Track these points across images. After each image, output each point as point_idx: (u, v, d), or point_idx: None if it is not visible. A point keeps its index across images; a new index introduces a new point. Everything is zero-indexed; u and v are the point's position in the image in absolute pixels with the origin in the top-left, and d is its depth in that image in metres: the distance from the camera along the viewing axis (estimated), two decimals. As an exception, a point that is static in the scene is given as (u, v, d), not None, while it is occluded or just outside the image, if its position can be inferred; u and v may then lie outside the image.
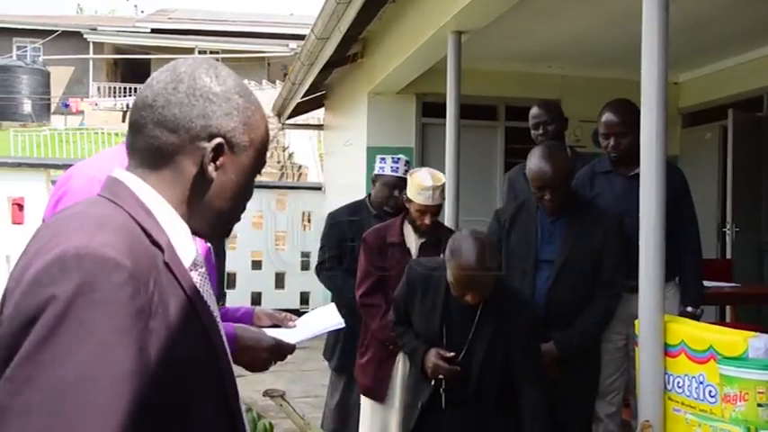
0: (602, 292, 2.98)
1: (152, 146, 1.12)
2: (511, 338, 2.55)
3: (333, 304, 2.21)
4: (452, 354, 2.56)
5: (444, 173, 4.31)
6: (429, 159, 6.96)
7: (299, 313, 7.27)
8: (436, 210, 3.23)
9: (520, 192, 3.70)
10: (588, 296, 2.97)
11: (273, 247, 9.31)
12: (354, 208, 4.02)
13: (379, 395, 3.25)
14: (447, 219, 4.22)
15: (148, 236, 1.06)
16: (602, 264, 2.96)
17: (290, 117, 10.54)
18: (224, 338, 1.17)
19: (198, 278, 1.15)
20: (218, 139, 1.13)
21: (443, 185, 3.22)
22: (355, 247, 3.71)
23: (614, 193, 3.18)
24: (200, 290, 1.14)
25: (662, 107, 2.54)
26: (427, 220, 3.21)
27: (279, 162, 16.45)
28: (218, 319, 1.18)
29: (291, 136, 17.03)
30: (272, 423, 3.09)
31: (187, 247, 1.14)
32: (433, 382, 2.61)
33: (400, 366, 3.24)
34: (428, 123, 7.15)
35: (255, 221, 9.02)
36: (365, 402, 3.37)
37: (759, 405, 2.11)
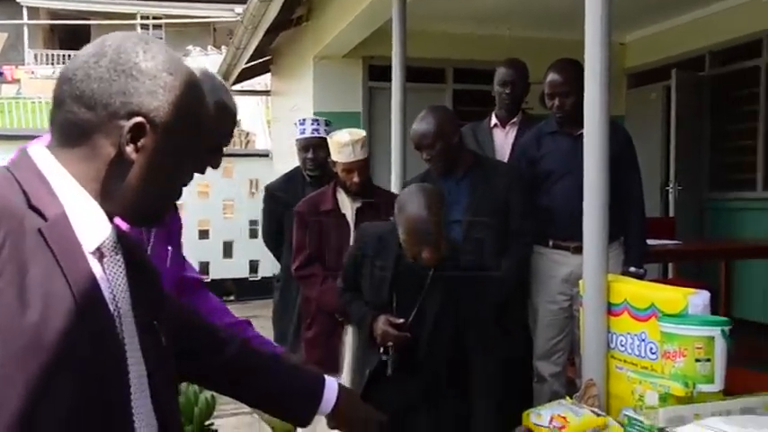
0: (513, 242, 3.05)
1: (69, 122, 1.06)
2: (461, 304, 2.54)
3: None
4: (401, 320, 2.52)
5: (391, 137, 4.31)
6: (377, 123, 6.92)
7: (246, 282, 7.33)
8: (362, 165, 3.17)
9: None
10: (501, 249, 3.02)
11: (221, 216, 9.19)
12: (288, 177, 3.99)
13: (333, 367, 3.17)
14: (393, 183, 4.20)
15: (28, 200, 1.00)
16: (510, 215, 3.03)
17: (235, 83, 10.34)
18: (123, 338, 1.08)
19: (111, 265, 1.08)
20: (138, 119, 1.05)
21: (363, 139, 3.18)
22: (291, 216, 3.68)
23: (561, 153, 3.21)
24: (99, 278, 1.06)
25: (605, 67, 2.53)
26: (355, 178, 3.16)
27: (226, 129, 16.16)
28: (121, 317, 1.09)
29: (238, 102, 16.72)
30: (213, 396, 3.04)
31: (94, 229, 1.06)
32: (381, 350, 2.58)
33: (350, 337, 3.21)
34: (375, 87, 7.08)
35: (202, 190, 8.88)
36: None
37: (697, 360, 2.15)
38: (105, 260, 1.08)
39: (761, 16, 6.34)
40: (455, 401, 2.54)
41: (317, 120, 3.87)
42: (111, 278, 1.09)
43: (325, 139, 3.70)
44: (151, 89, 1.06)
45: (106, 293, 1.07)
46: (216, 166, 1.75)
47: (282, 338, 3.79)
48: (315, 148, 3.77)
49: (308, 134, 3.79)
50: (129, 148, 1.06)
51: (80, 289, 1.01)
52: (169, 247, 1.82)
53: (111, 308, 1.07)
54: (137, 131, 1.05)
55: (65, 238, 1.02)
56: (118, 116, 1.05)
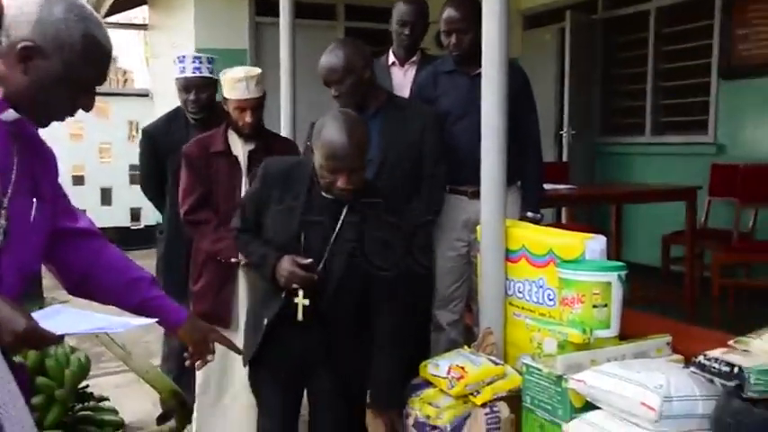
0: (425, 185, 2.98)
1: None
2: (373, 239, 2.39)
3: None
4: (310, 260, 2.35)
5: (280, 76, 4.15)
6: (265, 62, 6.67)
7: (129, 231, 6.94)
8: (256, 104, 3.02)
9: None
10: (411, 191, 2.95)
11: (98, 161, 8.75)
12: (168, 118, 3.72)
13: (224, 320, 3.02)
14: (284, 123, 4.06)
15: None
16: (423, 158, 2.96)
17: (108, 15, 9.72)
18: None
19: None
20: None
21: (258, 76, 3.03)
22: (175, 161, 3.45)
23: (458, 93, 3.14)
24: None
25: (504, 5, 2.48)
26: (248, 118, 3.00)
27: (101, 67, 15.39)
28: None
29: (115, 38, 15.88)
30: (87, 356, 2.88)
31: None
32: (283, 295, 2.39)
33: (242, 288, 3.08)
34: (262, 23, 6.84)
35: (74, 132, 8.39)
36: None
37: (594, 306, 2.17)
38: None
39: (653, -40, 6.52)
40: (356, 354, 2.45)
41: (198, 57, 3.57)
42: None
43: (209, 78, 3.52)
44: None
45: None
46: (88, 108, 1.60)
47: (173, 294, 3.59)
48: (197, 89, 3.51)
49: (188, 73, 3.52)
50: None
51: None
52: (34, 199, 1.64)
53: None
54: None
55: None
56: None
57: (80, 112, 1.61)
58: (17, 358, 1.61)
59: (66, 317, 1.53)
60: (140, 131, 3.90)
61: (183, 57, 3.57)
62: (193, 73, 3.50)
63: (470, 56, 3.01)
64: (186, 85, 3.52)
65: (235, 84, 2.97)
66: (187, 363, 1.91)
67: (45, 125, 1.60)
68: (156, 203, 3.88)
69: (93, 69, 1.55)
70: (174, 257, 3.56)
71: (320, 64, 2.95)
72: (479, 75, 2.64)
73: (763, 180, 5.37)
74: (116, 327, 1.63)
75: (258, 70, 3.07)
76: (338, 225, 2.38)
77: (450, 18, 3.12)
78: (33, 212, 1.60)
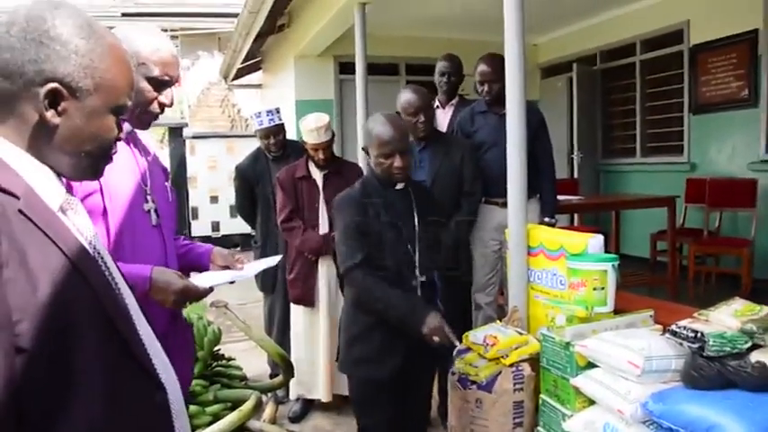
0: (465, 200, 2.95)
1: None
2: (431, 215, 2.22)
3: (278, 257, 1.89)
4: (457, 341, 1.98)
5: (356, 119, 4.19)
6: (346, 109, 6.77)
7: (212, 239, 6.71)
8: (326, 145, 3.08)
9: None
10: (454, 205, 2.92)
11: (228, 185, 8.92)
12: (254, 157, 3.63)
13: (310, 302, 3.12)
14: (360, 157, 4.09)
15: None
16: (463, 179, 2.93)
17: (234, 79, 10.02)
18: (109, 273, 0.93)
19: (74, 215, 0.92)
20: (52, 85, 0.86)
21: (327, 124, 3.06)
22: (265, 190, 3.49)
23: (490, 128, 3.11)
24: (74, 230, 0.90)
25: (521, 62, 2.44)
26: (321, 155, 3.09)
27: (229, 116, 15.80)
28: (101, 254, 0.94)
29: (239, 95, 16.31)
30: (220, 328, 2.94)
31: (53, 190, 0.89)
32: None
33: (322, 274, 3.14)
34: (344, 80, 6.89)
35: (211, 165, 8.61)
36: (295, 309, 3.25)
37: (594, 289, 2.12)
38: (69, 213, 0.91)
39: (635, 25, 6.41)
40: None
41: (270, 111, 3.47)
42: (79, 227, 0.92)
43: (280, 124, 3.46)
44: (63, 55, 0.86)
45: (84, 243, 0.91)
46: (169, 103, 1.51)
47: (265, 288, 3.58)
48: (275, 134, 3.47)
49: (266, 125, 3.44)
50: (50, 114, 0.87)
51: (72, 252, 0.85)
52: (166, 183, 1.61)
53: (92, 252, 0.92)
54: (53, 97, 0.87)
55: (40, 209, 0.84)
56: (34, 84, 0.85)
57: (216, 150, 1.57)
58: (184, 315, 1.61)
59: (206, 277, 1.53)
60: (234, 168, 3.70)
61: (259, 113, 3.46)
62: (269, 124, 3.42)
63: (499, 100, 2.97)
64: (267, 134, 3.45)
65: (309, 132, 3.04)
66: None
67: (145, 127, 1.54)
68: (248, 221, 3.76)
69: (161, 71, 1.47)
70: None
71: (405, 101, 2.85)
72: (505, 114, 2.60)
73: (725, 190, 5.28)
74: (240, 276, 1.59)
75: (326, 119, 3.09)
76: (413, 206, 2.14)
77: (482, 72, 3.11)
78: (169, 194, 1.60)
